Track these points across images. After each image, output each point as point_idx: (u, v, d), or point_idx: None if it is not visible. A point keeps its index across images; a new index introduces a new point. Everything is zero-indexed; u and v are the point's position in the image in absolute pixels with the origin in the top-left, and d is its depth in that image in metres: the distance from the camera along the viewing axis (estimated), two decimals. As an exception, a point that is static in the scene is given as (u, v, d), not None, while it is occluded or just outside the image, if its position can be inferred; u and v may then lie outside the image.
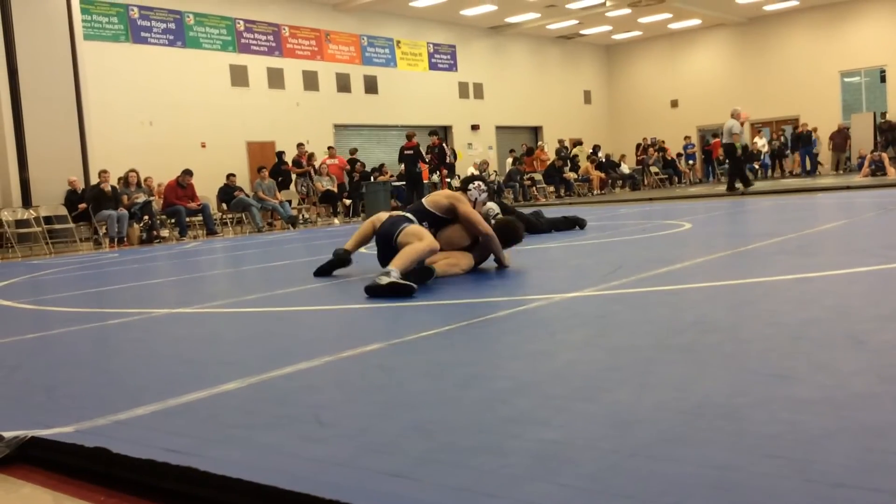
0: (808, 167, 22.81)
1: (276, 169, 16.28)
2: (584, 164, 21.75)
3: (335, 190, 16.73)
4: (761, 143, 24.37)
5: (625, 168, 22.90)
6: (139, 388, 2.39)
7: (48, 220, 12.48)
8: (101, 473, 1.67)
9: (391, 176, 18.19)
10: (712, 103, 25.43)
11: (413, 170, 16.48)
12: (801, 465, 1.36)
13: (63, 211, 12.69)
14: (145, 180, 14.15)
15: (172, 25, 17.19)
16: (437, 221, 4.71)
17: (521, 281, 4.28)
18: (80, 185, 13.09)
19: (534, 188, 19.71)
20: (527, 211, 8.12)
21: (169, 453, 1.62)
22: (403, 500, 1.35)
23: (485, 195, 5.03)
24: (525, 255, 5.38)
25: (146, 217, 13.22)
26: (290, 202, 15.77)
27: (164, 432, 1.85)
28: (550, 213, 9.20)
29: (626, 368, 2.16)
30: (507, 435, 1.65)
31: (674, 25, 26.64)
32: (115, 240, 12.41)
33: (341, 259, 5.08)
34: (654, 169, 23.17)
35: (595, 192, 20.80)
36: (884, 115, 22.89)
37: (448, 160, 17.87)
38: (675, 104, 28.13)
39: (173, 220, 13.59)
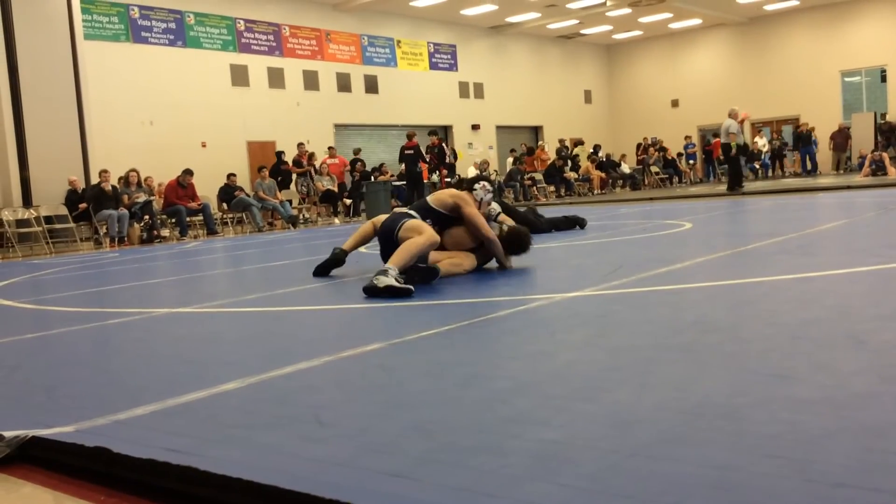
0: (809, 167, 22.80)
1: (276, 168, 16.28)
2: (584, 163, 21.75)
3: (335, 190, 16.73)
4: (762, 142, 24.36)
5: (625, 168, 22.90)
6: (139, 388, 2.39)
7: (48, 219, 12.49)
8: (101, 473, 1.67)
9: (391, 176, 18.19)
10: (713, 103, 25.42)
11: (413, 169, 16.48)
12: (801, 465, 1.36)
13: (63, 210, 12.70)
14: (145, 180, 14.16)
15: (173, 25, 17.19)
16: (442, 219, 4.67)
17: (522, 281, 4.28)
18: (81, 185, 13.09)
19: (534, 188, 19.70)
20: (521, 209, 8.11)
21: (169, 453, 1.62)
22: (403, 500, 1.35)
23: (490, 195, 5.00)
24: (525, 255, 5.37)
25: (147, 217, 13.22)
26: (290, 202, 15.78)
27: (164, 432, 1.85)
28: (551, 212, 9.20)
29: (626, 368, 2.16)
30: (507, 435, 1.65)
31: (674, 25, 26.64)
32: (116, 239, 12.41)
33: (336, 259, 5.08)
34: (654, 169, 23.17)
35: (595, 192, 20.80)
36: (884, 115, 22.89)
37: (448, 160, 17.87)
38: (675, 104, 28.13)
39: (174, 220, 13.60)
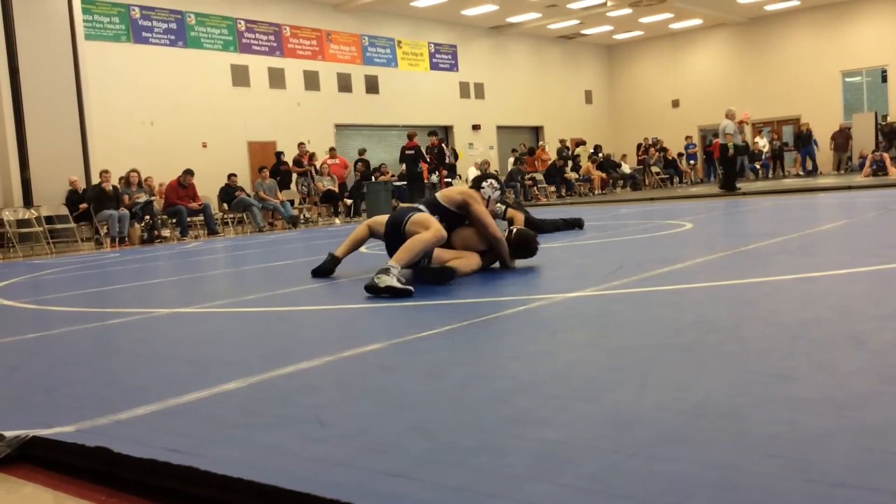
0: (809, 167, 22.79)
1: (276, 169, 16.29)
2: (585, 163, 21.75)
3: (336, 190, 16.73)
4: (762, 142, 24.36)
5: (626, 168, 22.90)
6: (140, 388, 2.39)
7: (49, 219, 12.49)
8: (102, 473, 1.67)
9: (392, 176, 18.20)
10: (713, 103, 25.41)
11: (414, 169, 16.49)
12: (801, 464, 1.36)
13: (64, 211, 12.71)
14: (146, 180, 14.17)
15: (174, 25, 17.20)
16: (450, 216, 4.62)
17: (523, 281, 4.28)
18: (81, 185, 13.10)
19: (535, 188, 19.70)
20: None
21: (170, 453, 1.62)
22: (404, 500, 1.35)
23: (497, 193, 4.99)
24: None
25: (147, 217, 13.23)
26: (291, 202, 15.79)
27: (164, 432, 1.85)
28: (550, 213, 9.19)
29: (626, 368, 2.16)
30: (508, 435, 1.65)
31: (675, 25, 26.64)
32: (117, 239, 12.42)
33: (325, 268, 5.04)
34: (655, 169, 23.17)
35: (596, 192, 20.80)
36: (885, 117, 22.89)
37: (447, 160, 17.87)
38: (676, 104, 28.14)
39: (174, 220, 13.61)
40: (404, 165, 16.91)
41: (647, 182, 22.88)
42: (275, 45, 19.20)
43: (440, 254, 4.40)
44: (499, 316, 3.17)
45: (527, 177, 19.69)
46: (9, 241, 11.97)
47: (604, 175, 21.44)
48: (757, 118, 26.61)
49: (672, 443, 1.52)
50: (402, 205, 5.01)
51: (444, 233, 4.32)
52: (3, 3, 12.69)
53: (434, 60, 23.33)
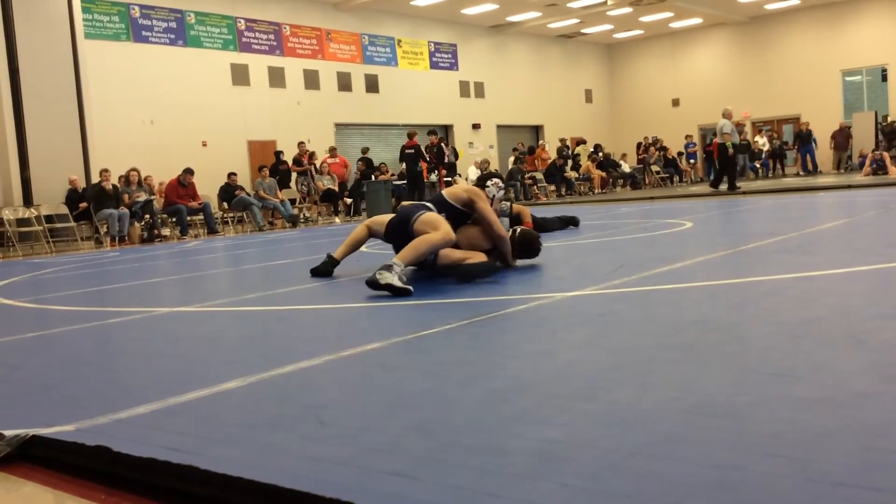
0: (809, 166, 22.79)
1: (275, 168, 16.29)
2: (585, 163, 21.75)
3: (336, 189, 16.74)
4: (762, 141, 24.36)
5: (625, 167, 22.90)
6: (140, 387, 2.39)
7: (49, 218, 12.49)
8: (101, 472, 1.67)
9: (392, 175, 18.20)
10: (713, 102, 25.37)
11: (414, 169, 16.48)
12: (801, 464, 1.36)
13: (64, 210, 12.70)
14: (145, 179, 14.16)
15: (173, 24, 17.19)
16: (456, 214, 4.60)
17: (523, 279, 4.28)
18: (81, 184, 13.09)
19: (535, 187, 19.70)
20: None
21: (170, 452, 1.62)
22: (404, 500, 1.35)
23: (502, 192, 5.05)
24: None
25: (147, 216, 13.23)
26: (292, 201, 15.78)
27: (164, 431, 1.85)
28: (546, 212, 9.18)
29: (627, 368, 2.16)
30: (508, 434, 1.65)
31: (675, 24, 26.64)
32: (116, 238, 12.42)
33: (323, 270, 5.03)
34: (655, 168, 23.16)
35: (596, 191, 20.79)
36: (885, 118, 22.90)
37: (447, 159, 17.85)
38: (676, 103, 28.13)
39: (174, 219, 13.60)
40: (404, 164, 16.90)
41: (646, 181, 22.88)
42: (275, 44, 19.19)
43: (449, 253, 4.37)
44: (499, 315, 3.17)
45: (527, 176, 19.70)
46: (9, 240, 11.97)
47: (604, 174, 21.43)
48: (757, 117, 26.63)
49: (672, 442, 1.52)
50: (404, 202, 4.99)
51: (452, 235, 4.29)
52: (3, 2, 12.68)
53: (434, 59, 23.32)
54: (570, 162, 21.63)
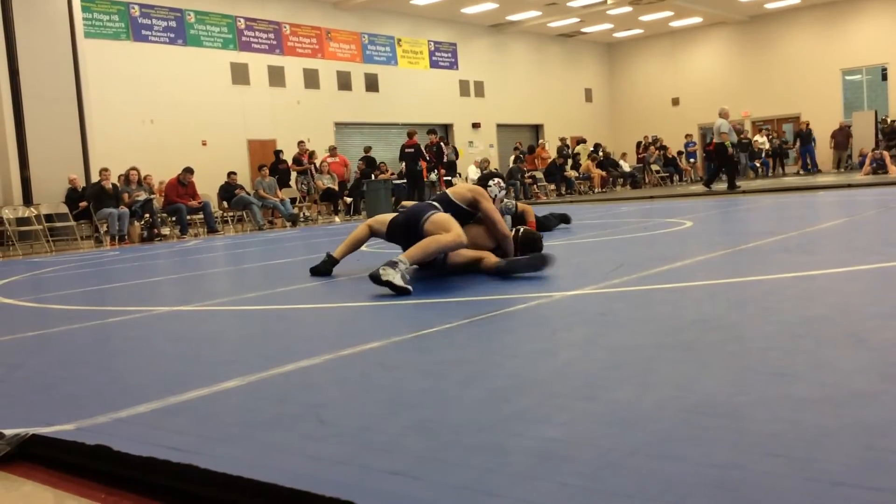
0: (809, 165, 22.79)
1: (275, 167, 16.29)
2: (585, 162, 21.75)
3: (336, 188, 16.73)
4: (762, 140, 24.36)
5: (625, 166, 22.90)
6: (140, 386, 2.39)
7: (49, 217, 12.49)
8: (101, 471, 1.67)
9: (392, 174, 18.19)
10: (713, 101, 25.35)
11: (414, 168, 16.48)
12: (801, 463, 1.36)
13: (64, 209, 12.70)
14: (145, 178, 14.16)
15: (173, 23, 17.19)
16: (461, 214, 4.58)
17: (522, 279, 4.27)
18: (81, 183, 13.09)
19: (535, 186, 19.70)
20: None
21: (170, 451, 1.62)
22: (404, 499, 1.35)
23: (504, 192, 5.09)
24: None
25: (147, 215, 13.23)
26: (292, 200, 15.78)
27: (164, 430, 1.85)
28: (538, 210, 9.15)
29: (627, 367, 2.16)
30: (508, 433, 1.65)
31: (675, 23, 26.63)
32: (116, 238, 12.42)
33: (322, 269, 5.02)
34: (654, 167, 23.16)
35: (596, 190, 20.79)
36: (885, 119, 22.90)
37: (446, 158, 17.83)
38: (676, 102, 28.13)
39: (174, 218, 13.60)
40: (404, 164, 16.89)
41: (646, 180, 22.87)
42: (274, 43, 19.19)
43: (461, 251, 4.37)
44: (499, 314, 3.17)
45: (527, 175, 19.70)
46: (8, 239, 11.97)
47: (604, 173, 21.43)
48: (757, 116, 26.63)
49: (672, 441, 1.52)
50: (404, 203, 4.99)
51: (464, 238, 4.24)
52: (3, 1, 12.68)
53: (434, 58, 23.31)
54: (570, 161, 21.63)
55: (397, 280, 3.82)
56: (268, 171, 15.55)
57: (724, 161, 15.27)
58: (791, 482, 1.28)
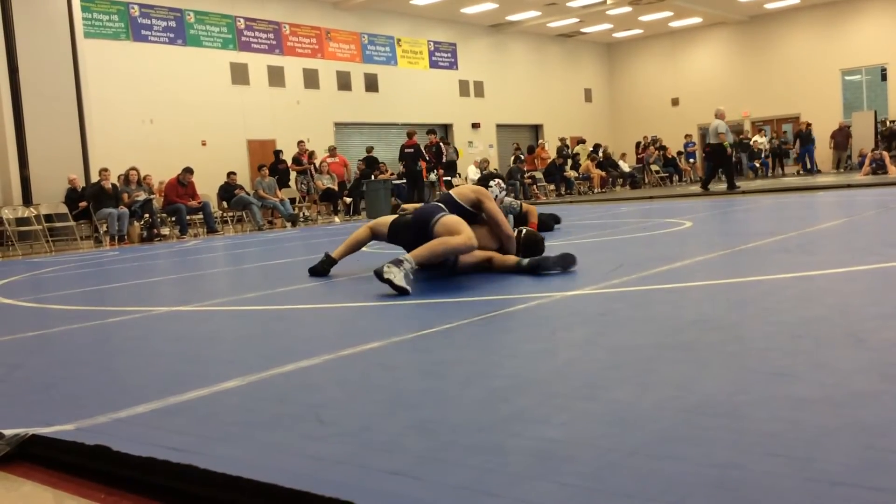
0: (809, 165, 22.80)
1: (274, 167, 16.29)
2: (584, 162, 21.75)
3: (335, 188, 16.73)
4: (761, 141, 24.36)
5: (625, 166, 22.90)
6: (140, 386, 2.39)
7: (49, 217, 12.49)
8: (101, 471, 1.67)
9: (392, 174, 18.19)
10: (713, 101, 25.29)
11: (413, 168, 16.48)
12: (801, 463, 1.36)
13: (63, 209, 12.70)
14: (144, 178, 14.15)
15: (173, 23, 17.19)
16: (464, 215, 4.55)
17: (522, 279, 4.27)
18: (81, 183, 13.09)
19: (534, 186, 19.70)
20: None
21: (169, 451, 1.62)
22: (404, 499, 1.35)
23: (504, 192, 5.13)
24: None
25: (147, 215, 13.23)
26: (291, 200, 15.77)
27: (164, 430, 1.85)
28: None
29: (626, 367, 2.16)
30: (508, 433, 1.65)
31: (675, 23, 26.64)
32: (116, 238, 12.41)
33: (320, 269, 5.01)
34: (654, 167, 23.16)
35: (595, 191, 20.80)
36: (884, 121, 22.90)
37: (445, 159, 17.82)
38: (675, 102, 28.13)
39: (174, 218, 13.60)
40: (404, 164, 16.89)
41: (646, 180, 22.88)
42: (274, 43, 19.19)
43: (473, 252, 4.38)
44: (498, 314, 3.17)
45: (526, 175, 19.69)
46: (8, 239, 11.97)
47: (603, 173, 21.43)
48: (756, 116, 26.64)
49: (672, 441, 1.52)
50: (405, 206, 4.99)
51: (475, 241, 4.21)
52: (3, 1, 12.67)
53: (434, 59, 23.31)
54: (569, 161, 21.63)
55: (397, 279, 3.82)
56: (267, 172, 15.54)
57: (723, 161, 15.27)
58: (791, 482, 1.28)
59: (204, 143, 17.38)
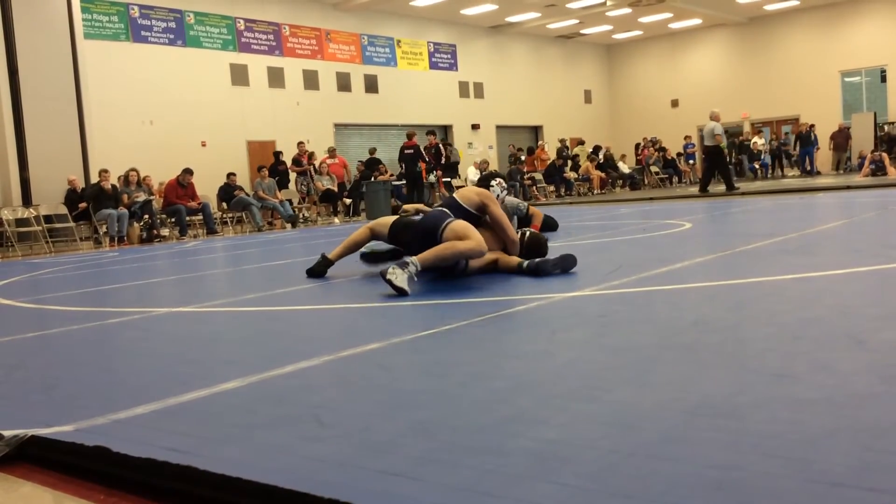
0: (808, 167, 22.81)
1: (274, 168, 16.29)
2: (584, 163, 21.76)
3: (335, 189, 16.74)
4: (761, 142, 24.37)
5: (624, 167, 22.91)
6: (139, 387, 2.38)
7: (48, 218, 12.49)
8: (100, 472, 1.66)
9: (391, 175, 18.20)
10: (713, 103, 25.34)
11: (413, 169, 16.48)
12: (801, 464, 1.36)
13: (63, 210, 12.69)
14: (144, 179, 14.15)
15: (173, 24, 17.19)
16: (469, 218, 4.52)
17: (522, 280, 4.27)
18: (80, 184, 13.08)
19: (534, 187, 19.70)
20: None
21: (168, 452, 1.62)
22: (403, 500, 1.35)
23: (505, 192, 5.12)
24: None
25: (146, 216, 13.22)
26: (290, 201, 15.78)
27: (163, 431, 1.85)
28: None
29: (626, 368, 2.16)
30: (507, 434, 1.65)
31: (674, 25, 26.64)
32: (116, 239, 12.41)
33: (316, 270, 5.01)
34: (654, 168, 23.17)
35: (595, 192, 20.80)
36: (884, 126, 22.90)
37: (443, 160, 17.82)
38: (675, 104, 28.13)
39: (173, 220, 13.59)
40: (403, 165, 16.89)
41: (646, 182, 22.88)
42: (274, 44, 19.19)
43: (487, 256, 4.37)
44: (498, 315, 3.17)
45: (526, 176, 19.70)
46: (8, 240, 11.96)
47: (603, 175, 21.44)
48: (756, 118, 26.64)
49: (671, 442, 1.52)
50: (406, 207, 4.97)
51: (485, 247, 4.20)
52: (3, 2, 12.68)
53: (433, 60, 23.32)
54: (569, 162, 21.64)
55: (397, 280, 3.82)
56: (267, 173, 15.54)
57: (720, 163, 15.29)
58: (790, 483, 1.28)
59: (204, 144, 17.39)
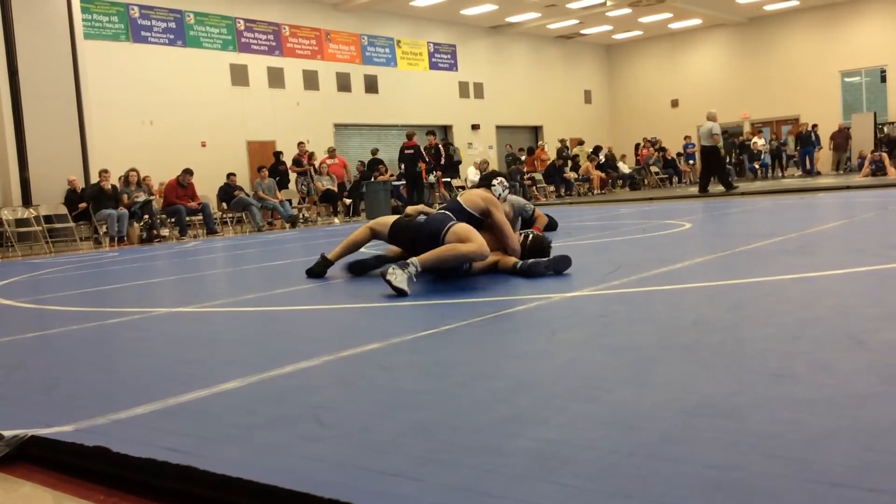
0: (808, 167, 22.81)
1: (274, 169, 16.29)
2: (584, 163, 21.76)
3: (335, 189, 16.74)
4: (761, 142, 24.37)
5: (624, 168, 22.91)
6: (139, 387, 2.39)
7: (48, 219, 12.48)
8: (100, 472, 1.66)
9: (391, 175, 18.20)
10: (713, 103, 25.36)
11: (413, 169, 16.48)
12: (800, 464, 1.36)
13: (63, 210, 12.69)
14: (144, 179, 14.15)
15: (173, 24, 17.19)
16: (473, 222, 4.51)
17: (521, 280, 4.27)
18: (80, 185, 13.08)
19: (534, 187, 19.70)
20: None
21: (168, 452, 1.62)
22: (403, 500, 1.35)
23: (507, 192, 5.08)
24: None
25: (146, 216, 13.22)
26: (290, 202, 15.78)
27: (163, 431, 1.85)
28: None
29: (625, 368, 2.16)
30: (507, 434, 1.65)
31: (674, 25, 26.65)
32: (115, 239, 12.41)
33: (315, 271, 5.01)
34: (654, 169, 23.17)
35: (595, 192, 20.80)
36: (884, 128, 22.88)
37: (445, 160, 17.82)
38: (675, 104, 28.14)
39: (173, 220, 13.60)
40: (403, 165, 16.89)
41: (646, 182, 22.88)
42: (274, 44, 19.19)
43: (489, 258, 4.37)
44: (498, 315, 3.17)
45: (526, 176, 19.69)
46: (7, 240, 11.96)
47: (603, 175, 21.44)
48: (756, 118, 26.64)
49: (671, 442, 1.52)
50: (408, 208, 4.96)
51: (487, 250, 4.20)
52: (3, 2, 12.68)
53: (433, 60, 23.32)
54: (569, 163, 21.64)
55: (396, 280, 3.82)
56: (267, 173, 15.54)
57: (715, 163, 15.31)
58: (790, 483, 1.28)
59: (204, 145, 17.39)
